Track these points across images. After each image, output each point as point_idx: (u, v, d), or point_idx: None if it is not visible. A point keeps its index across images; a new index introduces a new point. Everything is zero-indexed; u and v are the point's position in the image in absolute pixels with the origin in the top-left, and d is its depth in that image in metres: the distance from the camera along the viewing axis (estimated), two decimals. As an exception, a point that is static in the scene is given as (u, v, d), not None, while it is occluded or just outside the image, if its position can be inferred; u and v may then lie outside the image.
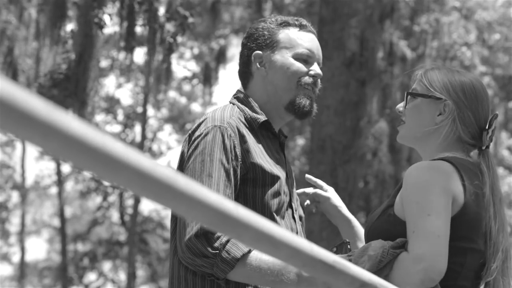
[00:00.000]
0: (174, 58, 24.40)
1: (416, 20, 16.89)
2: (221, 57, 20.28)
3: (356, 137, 16.07)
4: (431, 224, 2.20)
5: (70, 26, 10.98)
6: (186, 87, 27.32)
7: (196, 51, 24.21)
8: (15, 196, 28.72)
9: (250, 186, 2.57)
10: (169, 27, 11.07)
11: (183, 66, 27.28)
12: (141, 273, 28.11)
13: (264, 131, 2.70)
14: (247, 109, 2.69)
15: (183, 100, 27.85)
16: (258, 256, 2.41)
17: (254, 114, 2.67)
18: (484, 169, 2.40)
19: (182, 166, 2.61)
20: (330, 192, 2.82)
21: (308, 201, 2.83)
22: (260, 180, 2.57)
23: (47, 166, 30.47)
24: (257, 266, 2.40)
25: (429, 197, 2.23)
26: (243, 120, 2.65)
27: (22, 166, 26.79)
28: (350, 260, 2.33)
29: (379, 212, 2.42)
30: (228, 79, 52.69)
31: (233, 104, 2.73)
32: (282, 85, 2.69)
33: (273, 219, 2.56)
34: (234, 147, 2.54)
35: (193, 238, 2.42)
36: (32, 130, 0.80)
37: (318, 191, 2.81)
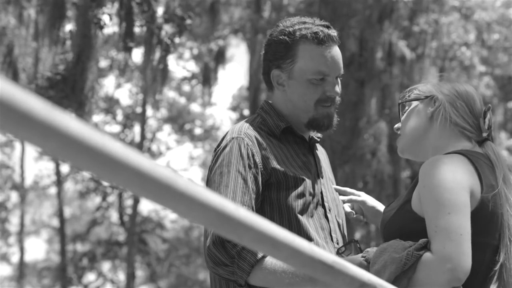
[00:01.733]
0: (173, 58, 24.46)
1: (415, 21, 16.89)
2: (220, 57, 20.29)
3: (355, 137, 16.09)
4: (452, 222, 2.19)
5: (69, 27, 10.98)
6: (186, 88, 27.35)
7: (195, 51, 24.24)
8: (14, 196, 28.75)
9: (274, 191, 2.62)
10: (167, 28, 11.08)
11: (182, 66, 27.31)
12: (140, 273, 28.13)
13: (290, 136, 2.77)
14: (269, 118, 2.76)
15: (182, 100, 27.89)
16: (273, 260, 2.45)
17: (276, 122, 2.74)
18: (494, 158, 2.40)
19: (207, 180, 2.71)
20: (363, 196, 2.87)
21: (349, 210, 2.87)
22: (284, 183, 2.63)
23: (46, 166, 30.53)
24: (272, 270, 2.44)
25: (448, 195, 2.22)
26: (265, 129, 2.73)
27: (21, 166, 26.80)
28: (366, 260, 2.33)
29: (396, 207, 2.41)
30: (227, 79, 52.74)
31: (258, 114, 2.81)
32: (300, 106, 2.74)
33: (297, 220, 2.62)
34: (253, 155, 2.61)
35: (212, 247, 2.48)
36: (31, 130, 0.80)
37: (353, 197, 2.85)
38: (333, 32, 2.75)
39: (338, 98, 2.77)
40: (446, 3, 17.46)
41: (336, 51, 2.75)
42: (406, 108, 2.59)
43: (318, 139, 2.90)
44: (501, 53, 20.29)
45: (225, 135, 2.71)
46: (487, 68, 19.64)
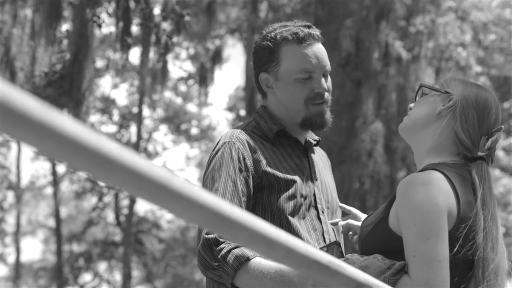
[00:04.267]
0: (170, 58, 24.43)
1: (411, 21, 16.89)
2: (216, 57, 20.28)
3: (352, 138, 16.09)
4: (431, 249, 2.18)
5: (65, 26, 10.97)
6: (182, 88, 27.34)
7: (191, 51, 24.23)
8: (10, 196, 28.72)
9: (266, 193, 2.67)
10: (165, 26, 11.07)
11: (178, 66, 27.29)
12: (136, 273, 28.11)
13: (284, 139, 2.81)
14: (263, 122, 2.81)
15: (178, 100, 27.87)
16: (256, 263, 2.47)
17: (270, 126, 2.79)
18: (476, 180, 2.36)
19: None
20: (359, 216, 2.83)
21: (350, 232, 2.84)
22: (275, 186, 2.67)
23: (43, 167, 30.49)
24: (254, 274, 2.45)
25: (427, 219, 2.20)
26: (259, 133, 2.78)
27: (18, 167, 26.77)
28: None
29: (373, 222, 2.39)
30: (224, 79, 52.71)
31: (254, 118, 2.86)
32: (290, 106, 2.78)
33: (288, 221, 2.65)
34: (244, 159, 2.65)
35: (201, 250, 2.53)
36: (27, 131, 0.80)
37: (350, 221, 2.80)
38: (314, 31, 2.79)
39: (327, 95, 2.79)
40: (442, 3, 17.47)
41: (318, 48, 2.78)
42: (426, 93, 2.54)
43: (315, 142, 2.93)
44: (497, 53, 20.31)
45: (219, 140, 2.76)
46: (483, 69, 19.65)
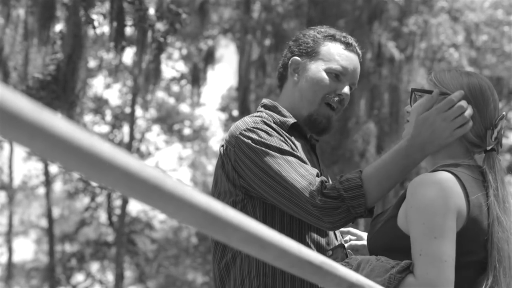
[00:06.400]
0: (162, 58, 24.41)
1: (404, 22, 16.92)
2: (209, 57, 20.28)
3: (344, 138, 16.11)
4: (437, 248, 2.18)
5: (59, 27, 10.96)
6: (175, 88, 27.32)
7: (184, 51, 24.21)
8: (2, 197, 28.68)
9: None
10: (160, 26, 11.08)
11: (171, 66, 27.30)
12: (129, 273, 28.08)
13: (295, 133, 2.76)
14: (275, 114, 2.75)
15: (171, 100, 27.85)
16: (369, 167, 2.48)
17: (283, 118, 2.74)
18: (488, 173, 2.35)
19: (231, 180, 2.63)
20: (365, 239, 2.80)
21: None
22: None
23: (35, 167, 30.44)
24: (375, 172, 2.46)
25: (435, 219, 2.20)
26: (274, 124, 2.70)
27: (10, 167, 26.70)
28: None
29: (382, 221, 2.38)
30: (217, 79, 52.70)
31: (260, 111, 2.79)
32: (307, 95, 2.76)
33: None
34: (279, 133, 2.61)
35: (318, 200, 2.45)
36: (19, 131, 0.80)
37: (353, 242, 2.79)
38: (360, 49, 2.89)
39: (345, 103, 2.80)
40: (435, 4, 17.50)
41: (357, 61, 2.86)
42: (419, 95, 2.50)
43: (316, 141, 2.92)
44: (489, 54, 20.35)
45: (232, 135, 2.63)
46: (476, 69, 19.68)
